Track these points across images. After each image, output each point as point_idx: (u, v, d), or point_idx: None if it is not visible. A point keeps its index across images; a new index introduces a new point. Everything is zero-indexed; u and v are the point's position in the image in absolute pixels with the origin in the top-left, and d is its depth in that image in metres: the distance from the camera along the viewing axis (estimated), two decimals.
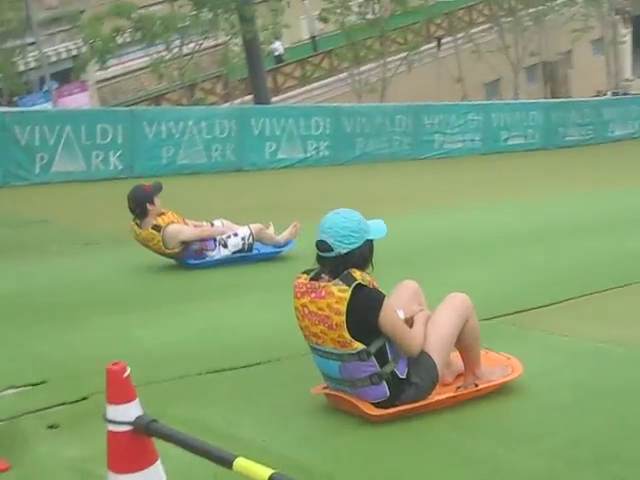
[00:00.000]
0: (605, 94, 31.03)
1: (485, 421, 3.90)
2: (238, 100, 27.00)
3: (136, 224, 7.63)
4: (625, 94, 30.33)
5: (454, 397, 4.02)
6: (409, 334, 3.88)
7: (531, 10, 30.35)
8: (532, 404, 4.15)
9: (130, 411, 2.67)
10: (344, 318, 3.68)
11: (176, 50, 23.87)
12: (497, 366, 4.26)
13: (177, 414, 3.90)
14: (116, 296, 6.73)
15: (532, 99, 26.54)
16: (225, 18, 24.05)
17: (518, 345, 5.20)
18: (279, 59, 32.07)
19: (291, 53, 33.23)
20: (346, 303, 3.67)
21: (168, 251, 7.64)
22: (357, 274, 3.72)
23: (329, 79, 30.03)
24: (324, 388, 4.05)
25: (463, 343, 4.11)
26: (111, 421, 2.69)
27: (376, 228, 3.88)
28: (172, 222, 7.59)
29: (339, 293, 3.69)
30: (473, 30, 32.04)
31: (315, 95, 28.93)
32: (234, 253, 7.83)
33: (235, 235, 7.86)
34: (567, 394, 4.27)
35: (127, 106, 22.72)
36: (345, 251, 3.74)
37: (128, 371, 2.71)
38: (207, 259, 7.76)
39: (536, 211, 11.61)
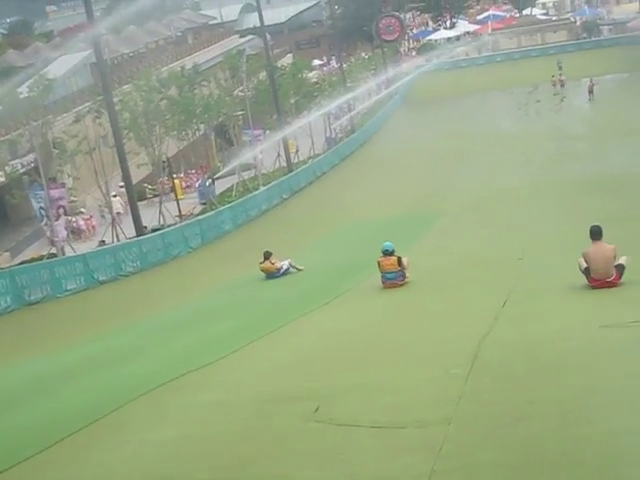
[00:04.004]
0: None
1: None
2: None
3: (261, 263, 22.51)
4: None
5: (406, 278, 18.08)
6: (405, 264, 17.92)
7: None
8: None
9: None
10: (396, 263, 17.76)
11: None
12: (408, 271, 18.20)
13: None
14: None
15: None
16: None
17: None
18: None
19: None
20: (396, 260, 17.77)
21: (273, 271, 22.37)
22: (395, 254, 17.81)
23: None
24: (383, 283, 17.93)
25: (407, 267, 18.12)
26: None
27: (392, 244, 18.14)
28: (276, 261, 22.42)
29: (394, 258, 17.73)
30: None
31: None
32: (285, 270, 22.59)
33: (285, 264, 22.57)
34: None
35: None
36: (392, 250, 17.84)
37: None
38: (280, 274, 22.48)
39: None
